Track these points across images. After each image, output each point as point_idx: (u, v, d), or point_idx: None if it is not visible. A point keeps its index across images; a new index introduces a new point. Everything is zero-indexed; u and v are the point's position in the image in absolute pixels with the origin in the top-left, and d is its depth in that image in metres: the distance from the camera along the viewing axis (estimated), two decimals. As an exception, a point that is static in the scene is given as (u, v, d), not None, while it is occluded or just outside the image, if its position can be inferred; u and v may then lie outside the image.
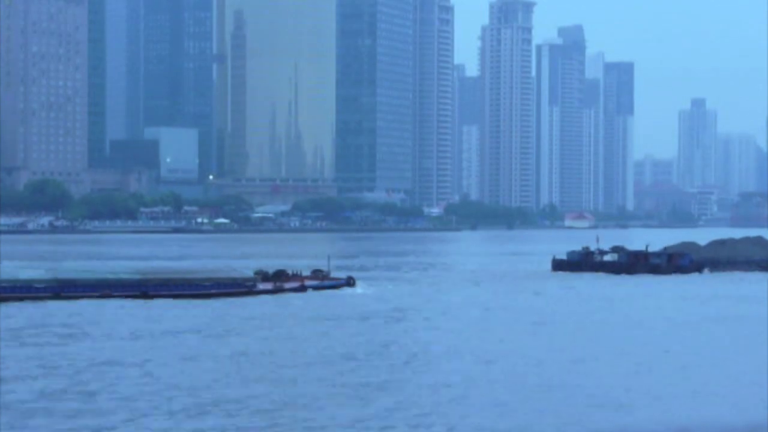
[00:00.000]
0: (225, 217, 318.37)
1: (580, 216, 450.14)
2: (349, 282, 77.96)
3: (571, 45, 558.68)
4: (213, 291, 70.48)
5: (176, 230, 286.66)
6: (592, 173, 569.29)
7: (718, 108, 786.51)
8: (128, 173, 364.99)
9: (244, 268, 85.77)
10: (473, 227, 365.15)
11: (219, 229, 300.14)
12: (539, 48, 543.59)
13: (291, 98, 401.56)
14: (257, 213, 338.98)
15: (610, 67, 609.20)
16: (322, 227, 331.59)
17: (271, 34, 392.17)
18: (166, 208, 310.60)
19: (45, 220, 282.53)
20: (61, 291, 66.83)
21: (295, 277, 77.06)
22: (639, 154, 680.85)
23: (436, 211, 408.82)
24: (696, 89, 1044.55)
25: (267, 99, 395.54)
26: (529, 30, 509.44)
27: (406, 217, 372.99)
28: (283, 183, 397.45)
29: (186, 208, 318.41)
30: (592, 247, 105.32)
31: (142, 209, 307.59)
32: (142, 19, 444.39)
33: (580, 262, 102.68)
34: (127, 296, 66.91)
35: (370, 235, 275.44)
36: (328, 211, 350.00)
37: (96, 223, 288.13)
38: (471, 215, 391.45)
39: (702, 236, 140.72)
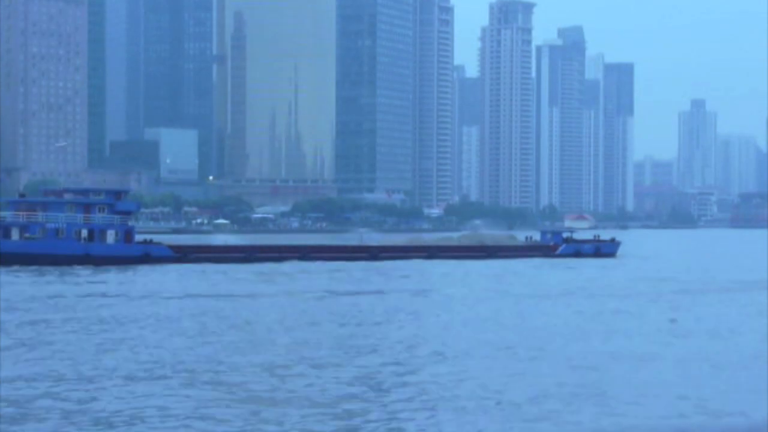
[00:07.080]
0: (225, 217, 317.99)
1: (580, 217, 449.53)
2: None
3: (571, 46, 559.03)
4: None
5: (176, 231, 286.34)
6: (592, 174, 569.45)
7: (718, 108, 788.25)
8: (128, 174, 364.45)
9: None
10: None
11: (219, 229, 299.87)
12: (539, 49, 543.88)
13: (291, 99, 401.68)
14: (257, 214, 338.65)
15: (610, 68, 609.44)
16: (323, 228, 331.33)
17: (271, 35, 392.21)
18: (166, 209, 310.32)
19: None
20: None
21: None
22: (639, 155, 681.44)
23: (436, 211, 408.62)
24: (696, 89, 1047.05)
25: (267, 99, 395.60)
26: (529, 31, 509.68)
27: (406, 217, 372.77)
28: (283, 184, 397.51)
29: (186, 208, 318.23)
30: None
31: (142, 210, 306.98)
32: (142, 19, 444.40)
33: None
34: None
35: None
36: (328, 212, 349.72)
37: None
38: (471, 216, 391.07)
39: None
